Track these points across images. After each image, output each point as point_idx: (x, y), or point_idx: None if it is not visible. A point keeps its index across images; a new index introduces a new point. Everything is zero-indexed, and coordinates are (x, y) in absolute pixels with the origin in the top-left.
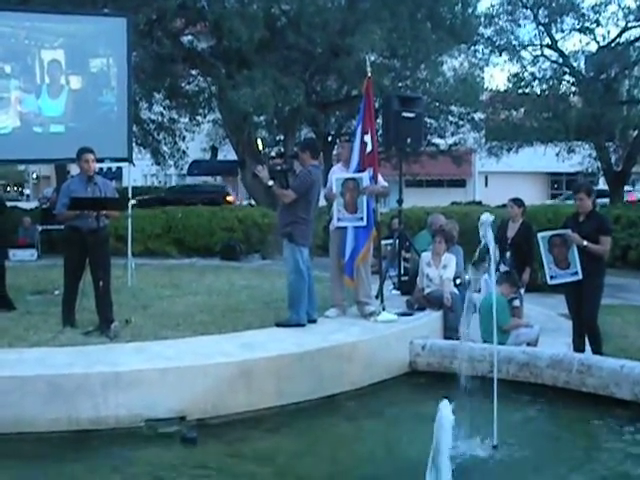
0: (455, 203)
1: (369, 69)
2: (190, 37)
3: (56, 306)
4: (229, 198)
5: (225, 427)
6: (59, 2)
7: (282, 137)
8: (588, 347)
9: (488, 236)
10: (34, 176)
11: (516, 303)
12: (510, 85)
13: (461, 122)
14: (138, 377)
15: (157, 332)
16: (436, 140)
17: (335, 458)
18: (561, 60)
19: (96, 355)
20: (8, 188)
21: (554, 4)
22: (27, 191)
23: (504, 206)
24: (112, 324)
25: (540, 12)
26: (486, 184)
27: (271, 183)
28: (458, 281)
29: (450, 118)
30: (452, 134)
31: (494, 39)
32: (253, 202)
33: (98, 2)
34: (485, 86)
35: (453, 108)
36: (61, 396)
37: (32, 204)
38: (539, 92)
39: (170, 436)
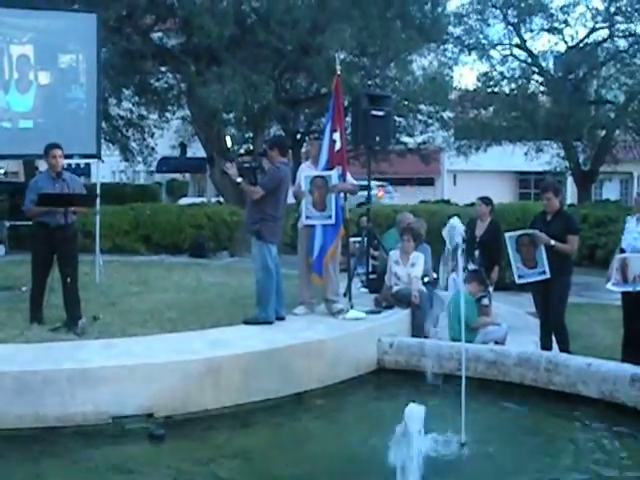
0: (424, 201)
1: (338, 67)
2: (160, 34)
3: (23, 302)
4: None
5: (193, 424)
6: None
7: (251, 135)
8: (555, 345)
9: (457, 240)
10: (2, 171)
11: (484, 301)
12: (479, 84)
13: (430, 121)
14: (105, 374)
15: (125, 329)
16: (405, 139)
17: (303, 455)
18: (530, 60)
19: (63, 352)
20: None
21: (523, 4)
22: None
23: (473, 205)
24: (80, 321)
25: (509, 12)
26: (455, 183)
27: (240, 180)
28: (426, 279)
29: (419, 117)
30: (421, 133)
31: (463, 38)
32: (222, 199)
33: None
34: (454, 85)
35: (422, 107)
36: (28, 393)
37: None
38: (508, 91)
39: (138, 433)
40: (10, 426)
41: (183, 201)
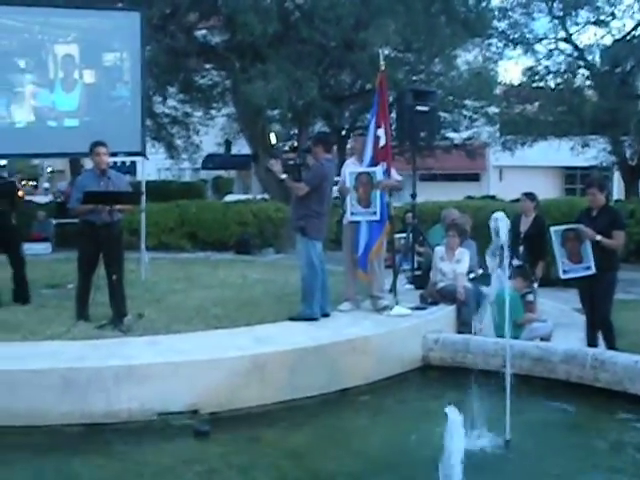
0: (469, 197)
1: (382, 63)
2: (204, 31)
3: (70, 300)
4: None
5: (238, 421)
6: None
7: (296, 131)
8: (602, 342)
9: (502, 233)
10: (48, 170)
11: (529, 298)
12: (524, 79)
13: (475, 116)
14: (151, 370)
15: (170, 326)
16: (450, 134)
17: (348, 452)
18: (576, 54)
19: (109, 348)
20: (23, 182)
21: None
22: (46, 184)
23: (518, 200)
24: (125, 318)
25: (555, 5)
26: (500, 178)
27: (284, 176)
28: (471, 275)
29: (464, 112)
30: (466, 128)
31: (508, 32)
32: (267, 196)
33: None
34: (499, 80)
35: (467, 102)
36: (74, 389)
37: (47, 198)
38: (553, 86)
39: (183, 430)
40: (56, 422)
41: (228, 198)
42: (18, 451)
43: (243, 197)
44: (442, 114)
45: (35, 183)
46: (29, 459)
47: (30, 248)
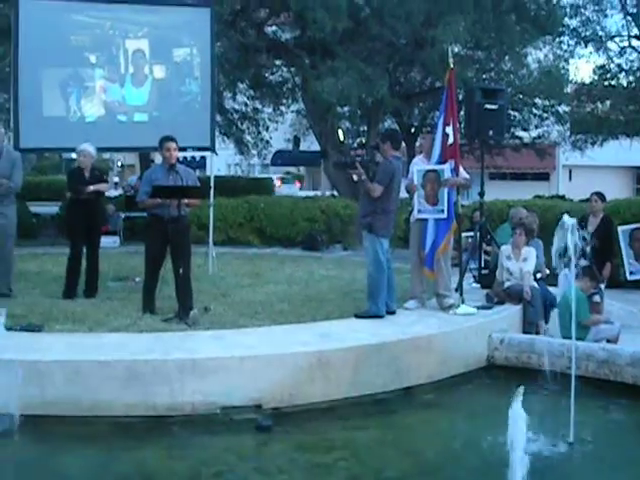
0: (538, 197)
1: (451, 60)
2: (274, 27)
3: (136, 293)
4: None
5: (301, 416)
6: None
7: (365, 128)
8: None
9: (569, 237)
10: (119, 164)
11: (596, 299)
12: (596, 77)
13: (545, 115)
14: (215, 364)
15: (236, 320)
16: (520, 133)
17: (411, 450)
18: None
19: (174, 342)
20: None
21: None
22: (115, 178)
23: (587, 200)
24: (191, 311)
25: (628, 2)
26: (570, 178)
27: (364, 177)
28: (538, 275)
29: (534, 110)
30: (536, 127)
31: (580, 30)
32: (335, 193)
33: None
34: (570, 78)
35: (537, 100)
36: (138, 381)
37: (116, 192)
38: (626, 84)
39: (245, 424)
40: (120, 413)
41: (297, 194)
42: (81, 441)
43: (311, 193)
44: (511, 112)
45: (105, 177)
46: (92, 449)
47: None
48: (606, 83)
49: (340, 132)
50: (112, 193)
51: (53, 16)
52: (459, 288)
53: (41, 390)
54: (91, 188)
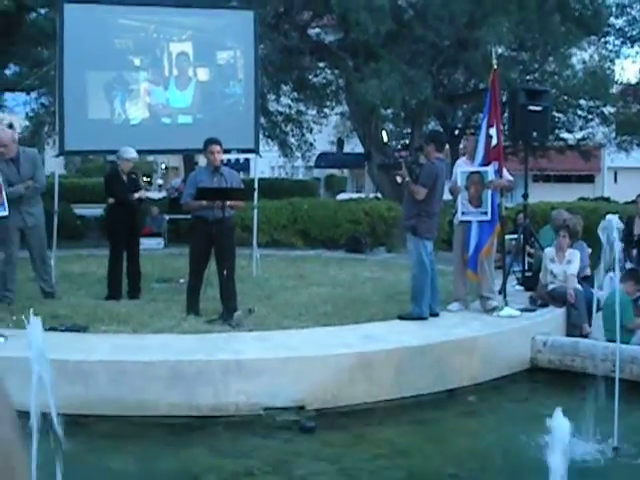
0: (582, 199)
1: (495, 61)
2: (317, 30)
3: (180, 294)
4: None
5: (344, 418)
6: None
7: (409, 130)
8: None
9: (613, 236)
10: (163, 167)
11: None
12: None
13: (590, 116)
14: (259, 365)
15: (280, 322)
16: (564, 135)
17: (454, 452)
18: None
19: (218, 343)
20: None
21: None
22: (159, 181)
23: (633, 202)
24: (235, 313)
25: None
26: (615, 180)
27: (408, 179)
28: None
29: (579, 112)
30: (580, 128)
31: (626, 30)
32: (380, 195)
33: None
34: (615, 79)
35: (582, 102)
36: (182, 382)
37: (160, 194)
38: None
39: (288, 425)
40: (164, 413)
41: (341, 196)
42: (127, 440)
43: (355, 195)
44: (556, 114)
45: (149, 179)
46: (137, 447)
47: (143, 243)
48: None
49: (384, 134)
50: (156, 195)
51: (97, 20)
52: (502, 290)
53: (85, 389)
54: (136, 196)
